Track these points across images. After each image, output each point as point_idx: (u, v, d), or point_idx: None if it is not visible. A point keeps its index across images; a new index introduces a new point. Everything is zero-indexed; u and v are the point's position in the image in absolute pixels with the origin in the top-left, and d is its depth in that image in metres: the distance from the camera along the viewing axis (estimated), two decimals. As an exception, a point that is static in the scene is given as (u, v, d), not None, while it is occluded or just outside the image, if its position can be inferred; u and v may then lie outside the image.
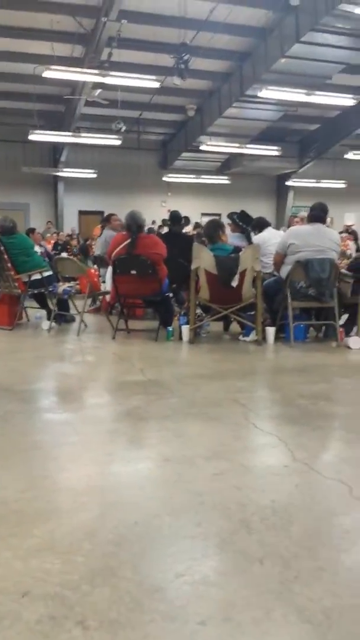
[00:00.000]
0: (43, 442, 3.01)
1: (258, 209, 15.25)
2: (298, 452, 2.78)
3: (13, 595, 1.63)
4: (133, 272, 5.94)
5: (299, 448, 2.84)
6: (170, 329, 6.14)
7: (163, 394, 3.93)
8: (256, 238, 7.05)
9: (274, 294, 6.07)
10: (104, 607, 1.58)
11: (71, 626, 1.50)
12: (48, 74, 10.55)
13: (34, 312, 7.45)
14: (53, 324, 6.80)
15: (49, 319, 6.90)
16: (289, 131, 18.34)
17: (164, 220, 14.75)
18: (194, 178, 19.34)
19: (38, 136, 15.02)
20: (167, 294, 6.41)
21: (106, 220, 8.96)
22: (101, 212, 17.20)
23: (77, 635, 1.47)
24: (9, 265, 6.66)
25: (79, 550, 1.87)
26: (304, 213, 7.05)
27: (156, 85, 11.41)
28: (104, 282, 7.45)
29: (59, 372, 4.96)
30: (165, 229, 11.54)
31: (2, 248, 6.65)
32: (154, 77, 11.13)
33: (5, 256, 6.65)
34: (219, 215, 17.16)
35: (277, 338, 5.97)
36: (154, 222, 16.29)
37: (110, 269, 6.25)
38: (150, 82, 11.31)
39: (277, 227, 12.49)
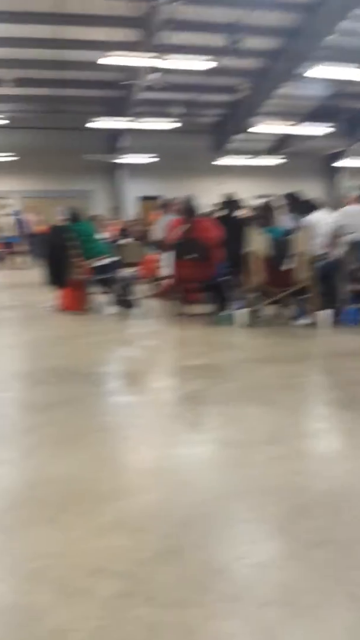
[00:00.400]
0: (110, 424, 3.15)
1: (310, 189, 14.91)
2: (353, 437, 2.81)
3: (87, 571, 1.75)
4: (190, 256, 6.00)
5: (354, 434, 2.86)
6: (226, 313, 6.18)
7: (221, 378, 4.00)
8: (308, 219, 6.95)
9: (328, 277, 5.99)
10: (171, 586, 1.68)
11: (141, 602, 1.60)
12: (105, 60, 10.64)
13: (99, 297, 7.64)
14: (117, 309, 6.96)
15: (113, 304, 7.07)
16: (340, 109, 17.79)
17: (218, 204, 14.67)
18: (247, 160, 19.10)
19: (97, 123, 15.19)
20: (222, 278, 6.44)
21: (165, 205, 9.02)
22: (159, 197, 17.26)
23: (147, 612, 1.57)
24: (76, 251, 6.87)
25: (147, 530, 1.98)
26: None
27: (210, 66, 11.32)
28: (163, 267, 7.55)
29: (123, 356, 5.12)
30: (220, 213, 11.47)
31: (68, 235, 6.87)
32: (207, 58, 11.05)
33: (72, 243, 6.86)
34: (272, 197, 16.89)
35: (331, 322, 5.91)
36: (211, 206, 16.22)
37: (169, 254, 6.33)
38: (203, 63, 11.23)
39: (330, 208, 12.18)
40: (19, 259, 13.98)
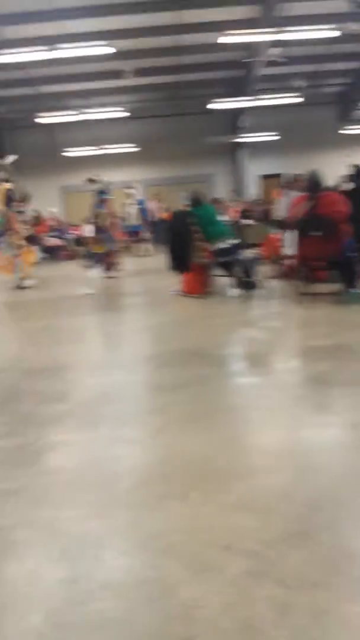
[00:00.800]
0: (236, 405, 3.16)
1: None
2: None
3: (216, 549, 1.77)
4: (315, 233, 5.81)
5: None
6: (355, 291, 5.93)
7: (350, 359, 3.84)
8: None
9: None
10: (301, 568, 1.65)
11: (271, 583, 1.60)
12: (225, 39, 10.54)
13: (222, 280, 7.65)
14: (240, 291, 6.94)
15: (235, 286, 7.06)
16: None
17: (345, 176, 14.05)
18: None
19: (218, 105, 15.14)
20: (351, 254, 6.17)
21: (289, 182, 8.78)
22: (281, 175, 16.93)
23: (277, 593, 1.56)
24: (198, 235, 6.93)
25: (275, 511, 1.96)
26: None
27: (335, 34, 10.81)
28: (287, 246, 7.39)
29: (247, 337, 5.09)
30: (348, 186, 10.96)
31: (191, 220, 6.94)
32: (331, 26, 10.55)
33: (194, 227, 6.92)
34: None
35: None
36: (337, 179, 15.60)
37: (292, 232, 6.18)
38: (327, 32, 10.76)
39: None
40: (143, 247, 14.39)
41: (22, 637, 1.49)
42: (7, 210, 9.24)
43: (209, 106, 15.17)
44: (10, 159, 9.58)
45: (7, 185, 9.28)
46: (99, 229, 10.08)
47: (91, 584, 1.66)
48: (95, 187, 10.19)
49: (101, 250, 10.01)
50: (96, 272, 9.96)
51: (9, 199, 9.24)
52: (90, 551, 1.83)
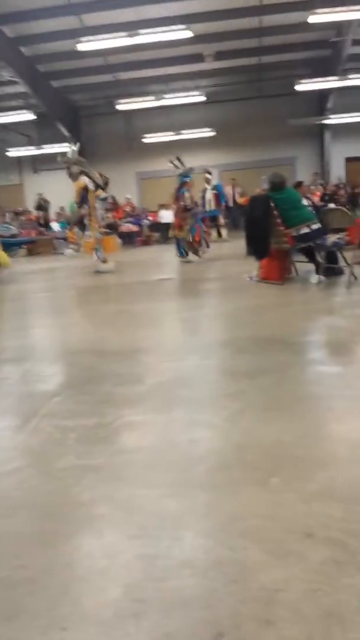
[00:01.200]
0: (317, 393, 3.06)
1: None
2: None
3: (297, 535, 1.72)
4: None
5: None
6: None
7: None
8: None
9: None
10: (388, 557, 1.58)
11: (354, 572, 1.54)
12: (313, 19, 10.24)
13: (303, 266, 7.49)
14: (322, 277, 6.75)
15: (317, 272, 6.88)
16: None
17: None
18: None
19: (304, 86, 14.79)
20: None
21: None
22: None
23: (360, 582, 1.50)
24: (279, 220, 6.78)
25: (358, 501, 1.89)
26: None
27: None
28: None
29: (329, 325, 4.94)
30: None
31: (272, 204, 6.80)
32: None
33: (275, 212, 6.78)
34: None
35: None
36: None
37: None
38: None
39: None
40: (220, 232, 14.33)
41: (102, 610, 1.50)
42: (82, 206, 9.46)
43: (297, 87, 14.81)
44: (75, 148, 9.64)
45: (82, 183, 9.42)
46: (181, 212, 10.15)
47: (170, 562, 1.66)
48: (178, 171, 10.24)
49: (183, 236, 10.08)
50: (179, 257, 10.06)
51: (84, 198, 9.42)
52: (168, 529, 1.82)
